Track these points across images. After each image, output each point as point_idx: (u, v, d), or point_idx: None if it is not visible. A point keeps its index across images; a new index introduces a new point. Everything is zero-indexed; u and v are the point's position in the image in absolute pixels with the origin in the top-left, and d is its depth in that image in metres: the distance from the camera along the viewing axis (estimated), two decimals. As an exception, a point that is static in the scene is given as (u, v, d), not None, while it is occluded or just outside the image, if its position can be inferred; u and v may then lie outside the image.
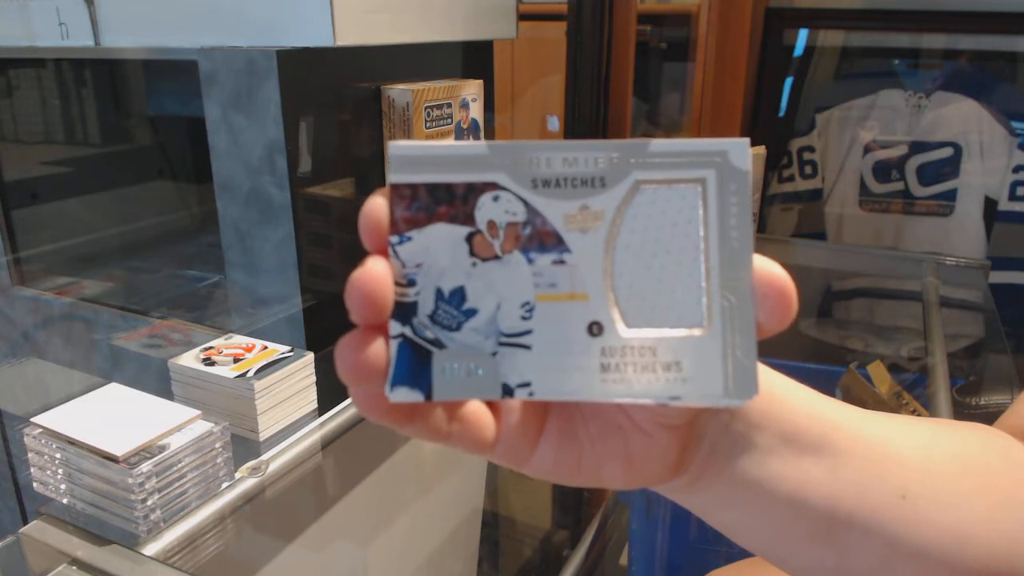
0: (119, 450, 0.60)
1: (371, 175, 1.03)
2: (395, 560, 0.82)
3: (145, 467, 0.60)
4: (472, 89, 1.10)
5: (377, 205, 0.24)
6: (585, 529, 0.86)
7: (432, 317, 0.24)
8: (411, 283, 0.24)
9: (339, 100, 0.96)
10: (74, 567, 0.56)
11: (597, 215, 0.24)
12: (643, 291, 0.24)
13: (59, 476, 0.64)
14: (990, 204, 1.76)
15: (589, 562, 0.82)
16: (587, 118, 1.56)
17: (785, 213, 1.92)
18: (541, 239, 0.24)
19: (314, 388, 0.80)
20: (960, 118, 1.76)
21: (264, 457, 0.72)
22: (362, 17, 0.90)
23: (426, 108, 1.00)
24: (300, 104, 0.89)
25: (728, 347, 0.24)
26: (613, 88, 1.57)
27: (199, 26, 0.93)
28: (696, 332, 0.24)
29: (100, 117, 1.33)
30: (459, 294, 0.24)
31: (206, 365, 0.75)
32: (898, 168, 1.83)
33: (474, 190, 0.23)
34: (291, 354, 0.78)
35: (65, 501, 0.65)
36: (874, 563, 0.30)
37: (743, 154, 0.24)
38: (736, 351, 0.24)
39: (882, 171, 1.85)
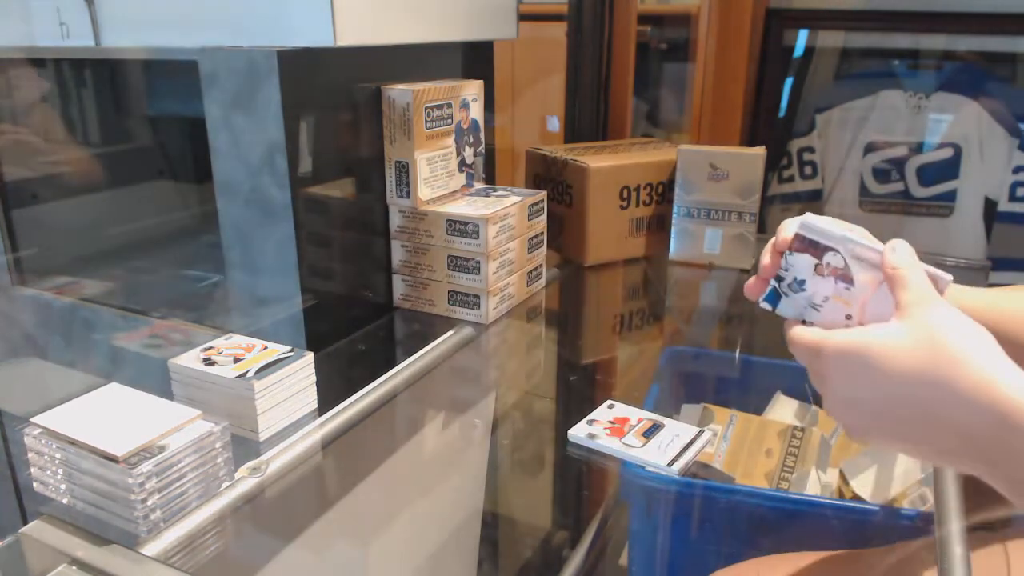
0: (119, 450, 0.60)
1: (371, 175, 1.03)
2: (395, 560, 0.82)
3: (145, 467, 0.60)
4: (472, 89, 1.10)
5: (788, 232, 0.54)
6: (585, 529, 0.86)
7: (788, 285, 0.54)
8: (786, 270, 0.54)
9: (339, 100, 0.96)
10: (74, 567, 0.56)
11: (876, 276, 0.51)
12: (875, 301, 0.52)
13: (59, 476, 0.64)
14: (990, 205, 1.76)
15: (589, 562, 0.82)
16: (587, 118, 1.56)
17: (785, 214, 1.92)
18: (844, 277, 0.52)
19: (314, 388, 0.80)
20: (960, 119, 1.76)
21: (264, 457, 0.72)
22: (362, 17, 0.90)
23: (426, 108, 1.00)
24: (300, 104, 0.89)
25: None
26: (613, 88, 1.57)
27: (199, 26, 0.93)
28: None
29: (100, 117, 1.33)
30: (802, 282, 0.53)
31: (206, 365, 0.75)
32: (898, 169, 1.83)
33: (825, 248, 0.52)
34: (291, 354, 0.78)
35: (65, 501, 0.65)
36: None
37: None
38: None
39: (882, 172, 1.85)
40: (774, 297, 0.54)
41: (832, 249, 0.52)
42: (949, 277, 0.51)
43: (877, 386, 0.47)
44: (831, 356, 0.49)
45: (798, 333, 0.52)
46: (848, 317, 0.52)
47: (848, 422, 0.50)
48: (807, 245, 0.52)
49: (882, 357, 0.46)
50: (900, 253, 0.50)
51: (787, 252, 0.53)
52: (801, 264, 0.53)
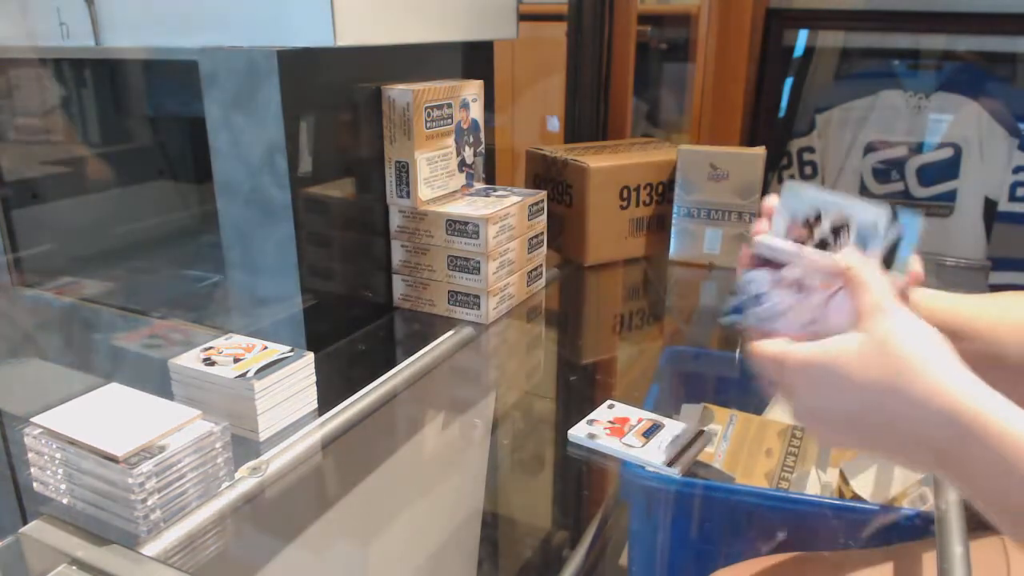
0: (119, 450, 0.60)
1: (371, 175, 1.03)
2: (395, 560, 0.82)
3: (145, 467, 0.60)
4: (472, 89, 1.10)
5: (771, 202, 0.56)
6: (585, 529, 0.86)
7: (750, 300, 0.55)
8: (748, 284, 0.55)
9: (339, 100, 0.96)
10: (74, 567, 0.56)
11: (834, 281, 0.52)
12: (835, 306, 0.52)
13: (59, 476, 0.64)
14: (990, 205, 1.76)
15: (589, 562, 0.82)
16: (587, 118, 1.56)
17: (785, 213, 1.92)
18: (803, 287, 0.53)
19: (314, 388, 0.80)
20: (960, 119, 1.76)
21: (264, 457, 0.72)
22: (362, 17, 0.90)
23: (426, 108, 1.00)
24: (300, 104, 0.89)
25: None
26: (613, 88, 1.57)
27: (199, 26, 0.93)
28: None
29: (100, 117, 1.33)
30: (762, 296, 0.54)
31: (206, 365, 0.75)
32: (898, 169, 1.83)
33: (780, 263, 0.54)
34: (291, 354, 0.78)
35: (65, 501, 0.65)
36: None
37: None
38: None
39: (882, 172, 1.84)
40: (739, 312, 0.56)
41: (786, 263, 0.53)
42: (903, 276, 0.52)
43: (841, 397, 0.48)
44: (795, 369, 0.50)
45: (760, 347, 0.52)
46: (813, 322, 0.52)
47: (818, 431, 0.51)
48: (762, 262, 0.54)
49: (844, 367, 0.47)
50: (851, 255, 0.51)
51: (744, 270, 0.55)
52: (760, 279, 0.54)
